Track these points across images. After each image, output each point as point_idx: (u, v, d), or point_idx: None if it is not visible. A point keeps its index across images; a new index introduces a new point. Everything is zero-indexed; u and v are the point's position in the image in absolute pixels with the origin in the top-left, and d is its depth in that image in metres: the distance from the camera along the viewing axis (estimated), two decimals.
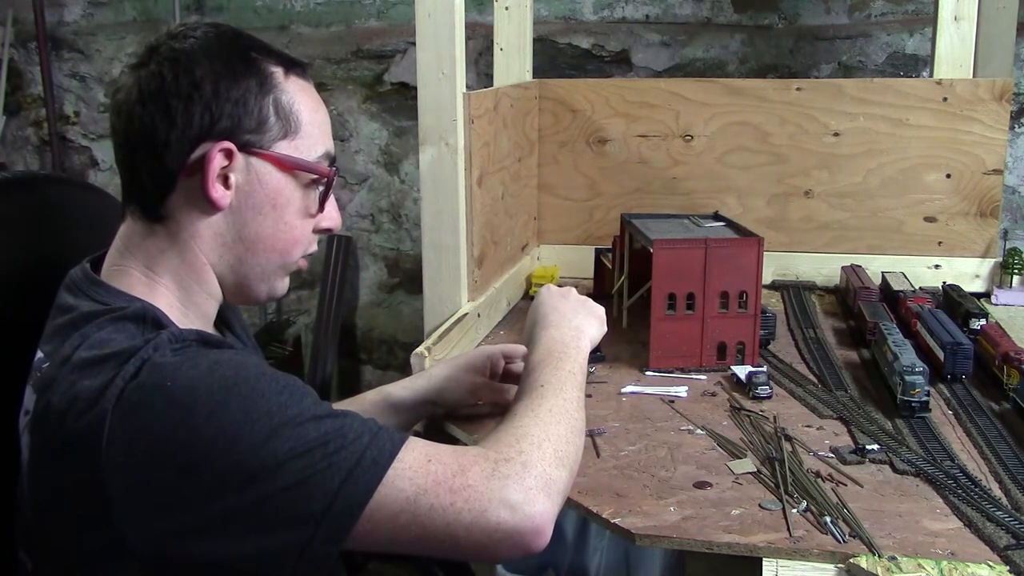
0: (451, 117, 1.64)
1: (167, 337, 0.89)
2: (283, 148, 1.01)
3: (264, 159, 0.99)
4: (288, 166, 1.01)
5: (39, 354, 0.95)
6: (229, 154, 0.97)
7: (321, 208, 1.05)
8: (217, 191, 0.97)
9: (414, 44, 1.62)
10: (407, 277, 2.95)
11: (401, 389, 1.38)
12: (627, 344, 1.74)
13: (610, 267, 2.03)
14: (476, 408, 1.42)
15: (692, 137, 2.18)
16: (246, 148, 0.98)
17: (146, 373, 0.85)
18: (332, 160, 1.06)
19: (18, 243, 1.13)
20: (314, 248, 1.09)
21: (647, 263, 1.62)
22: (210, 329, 1.05)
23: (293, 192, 1.02)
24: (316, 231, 1.08)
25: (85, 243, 1.08)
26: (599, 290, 2.10)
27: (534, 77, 2.28)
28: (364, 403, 1.35)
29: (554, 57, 2.69)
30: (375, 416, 1.32)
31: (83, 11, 3.00)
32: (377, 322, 3.02)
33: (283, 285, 1.08)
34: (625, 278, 1.85)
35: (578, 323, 1.26)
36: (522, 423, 1.01)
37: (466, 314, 1.71)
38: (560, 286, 1.37)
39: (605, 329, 1.32)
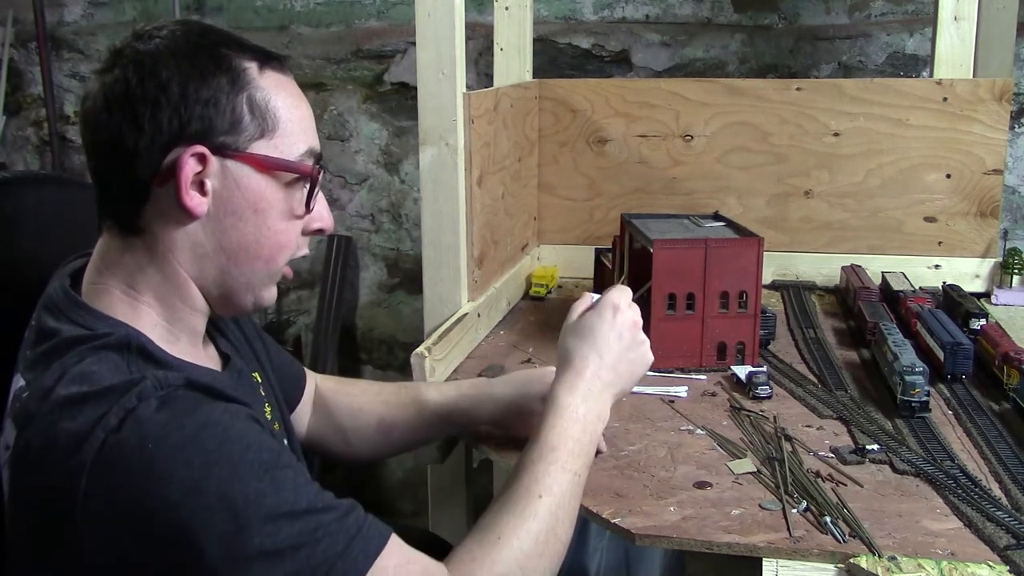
0: (451, 117, 1.64)
1: (152, 384, 0.83)
2: (261, 148, 0.95)
3: (241, 161, 0.94)
4: (267, 166, 0.95)
5: (20, 382, 0.91)
6: (203, 158, 0.92)
7: (308, 209, 1.00)
8: (192, 199, 0.92)
9: (414, 44, 1.62)
10: (407, 277, 2.95)
11: (434, 391, 1.35)
12: None
13: (610, 267, 2.03)
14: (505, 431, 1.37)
15: (692, 137, 2.18)
16: (221, 151, 0.93)
17: (128, 429, 0.80)
18: (318, 157, 1.00)
19: (18, 243, 1.13)
20: (305, 251, 1.04)
21: (647, 263, 1.62)
22: (199, 344, 1.01)
23: (275, 194, 0.96)
24: (306, 233, 1.02)
25: (85, 244, 1.08)
26: (599, 290, 2.10)
27: (534, 77, 2.28)
28: (425, 412, 1.34)
29: (554, 57, 2.69)
30: (398, 410, 1.33)
31: (83, 11, 3.00)
32: (377, 322, 3.02)
33: (270, 294, 1.02)
34: (625, 278, 1.85)
35: (618, 386, 1.18)
36: (506, 546, 0.97)
37: (466, 314, 1.71)
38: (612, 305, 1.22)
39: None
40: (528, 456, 1.07)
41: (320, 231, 1.04)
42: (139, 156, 0.91)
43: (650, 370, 1.60)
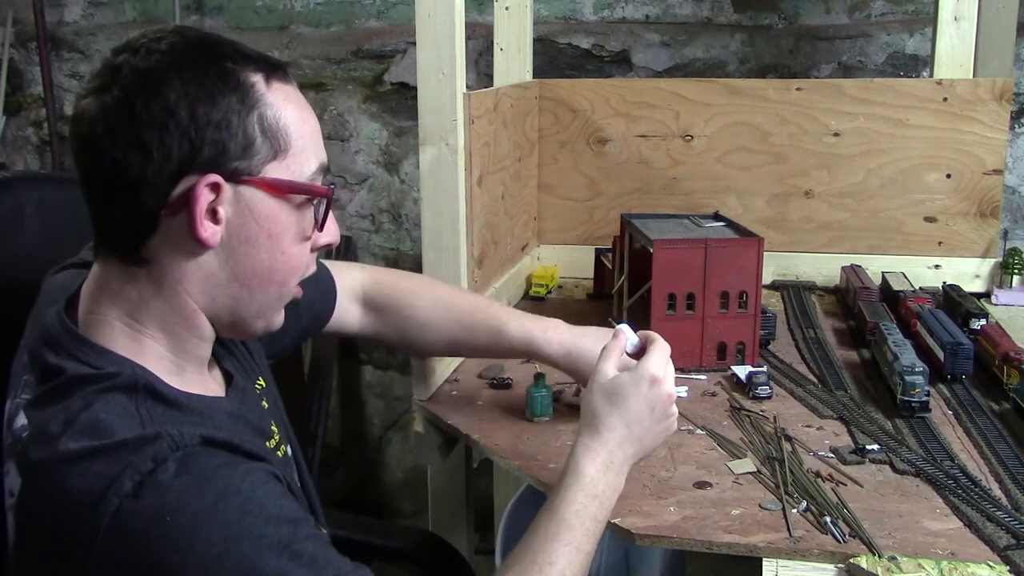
0: (451, 117, 1.64)
1: (168, 444, 0.79)
2: (274, 170, 0.89)
3: (255, 186, 0.88)
4: (282, 190, 0.90)
5: (21, 419, 0.87)
6: (216, 187, 0.86)
7: (320, 228, 0.95)
8: (206, 230, 0.87)
9: (414, 44, 1.61)
10: None
11: (514, 323, 1.41)
12: None
13: (610, 267, 2.03)
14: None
15: (692, 137, 2.18)
16: (234, 177, 0.87)
17: (147, 497, 0.76)
18: (327, 170, 0.95)
19: (19, 243, 1.13)
20: (313, 269, 0.99)
21: (647, 263, 1.62)
22: (205, 371, 0.98)
23: (288, 217, 0.91)
24: (314, 250, 0.98)
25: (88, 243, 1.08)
26: (599, 290, 2.11)
27: (534, 77, 2.28)
28: (503, 342, 1.40)
29: (554, 57, 2.69)
30: (474, 335, 1.39)
31: (83, 11, 3.00)
32: None
33: (280, 318, 0.98)
34: (625, 278, 1.85)
35: (639, 456, 1.14)
36: None
37: None
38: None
39: None
40: (544, 530, 1.02)
41: (329, 245, 0.99)
42: (146, 185, 0.85)
43: None
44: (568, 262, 2.25)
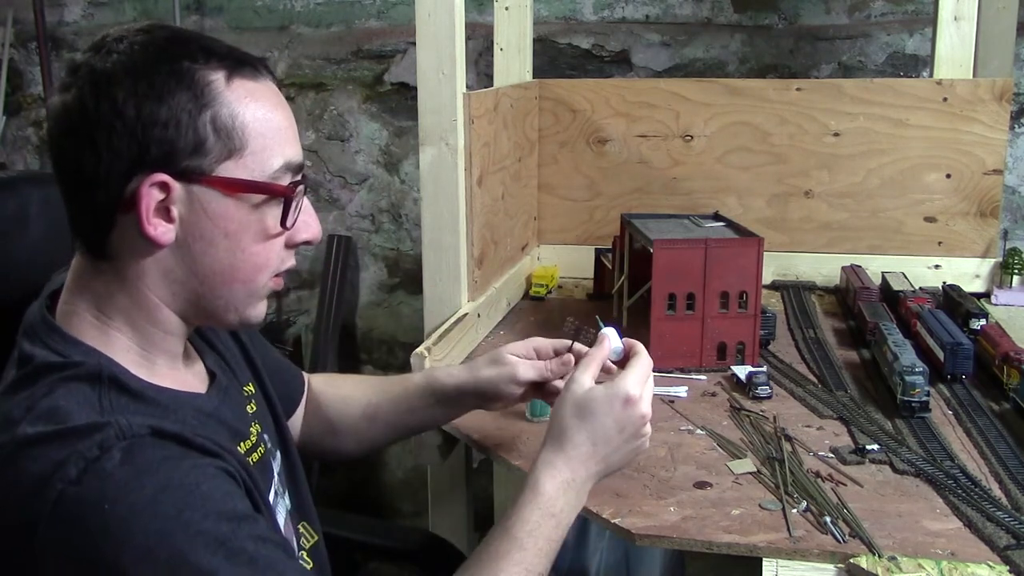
0: (451, 117, 1.64)
1: (115, 432, 0.79)
2: (229, 169, 0.88)
3: (207, 185, 0.87)
4: (236, 188, 0.89)
5: None
6: (165, 186, 0.86)
7: (285, 226, 0.93)
8: (156, 228, 0.87)
9: (414, 44, 1.62)
10: (407, 277, 2.95)
11: (445, 376, 1.29)
12: None
13: (610, 267, 2.03)
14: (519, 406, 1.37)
15: (692, 137, 2.18)
16: (184, 176, 0.87)
17: (88, 484, 0.77)
18: (296, 168, 0.93)
19: (24, 243, 1.13)
20: (290, 263, 0.98)
21: (647, 263, 1.62)
22: (179, 365, 0.97)
23: (247, 216, 0.90)
24: (291, 246, 0.97)
25: None
26: (599, 290, 2.11)
27: (534, 77, 2.28)
28: (409, 385, 1.31)
29: (554, 57, 2.69)
30: (385, 391, 1.30)
31: (83, 11, 3.00)
32: (377, 322, 3.02)
33: (257, 312, 0.97)
34: (625, 278, 1.85)
35: (604, 474, 1.09)
36: None
37: (466, 314, 1.71)
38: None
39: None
40: (495, 547, 0.99)
41: (307, 242, 0.98)
42: (99, 184, 0.86)
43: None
44: (568, 262, 2.25)
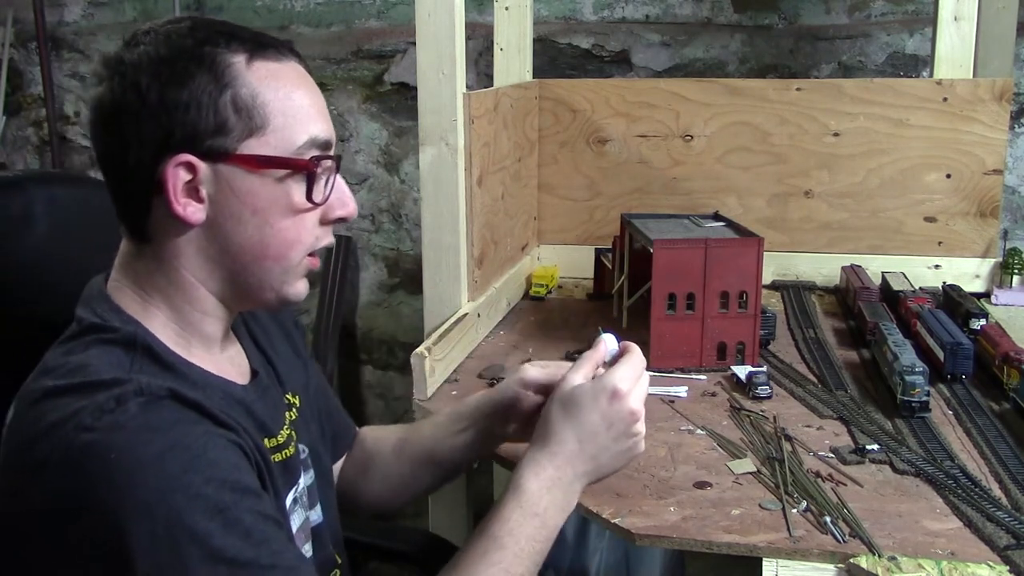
0: (451, 117, 1.64)
1: (134, 389, 0.82)
2: (252, 147, 0.91)
3: (231, 163, 0.91)
4: (259, 165, 0.91)
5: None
6: (191, 166, 0.90)
7: (312, 201, 0.95)
8: (185, 208, 0.90)
9: (414, 44, 1.62)
10: (407, 277, 2.95)
11: (464, 405, 1.26)
12: None
13: (610, 267, 2.03)
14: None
15: (692, 137, 2.18)
16: (209, 156, 0.90)
17: (99, 433, 0.79)
18: (323, 144, 0.95)
19: (30, 243, 1.13)
20: (327, 241, 0.99)
21: (647, 263, 1.62)
22: (215, 350, 0.99)
23: (272, 192, 0.93)
24: (326, 222, 0.98)
25: (99, 243, 1.08)
26: (599, 290, 2.11)
27: (534, 77, 2.28)
28: (437, 418, 1.29)
29: (554, 57, 2.69)
30: (441, 430, 1.26)
31: (83, 11, 3.00)
32: (377, 322, 3.02)
33: (296, 289, 0.98)
34: (625, 278, 1.85)
35: (594, 475, 1.06)
36: None
37: (466, 314, 1.71)
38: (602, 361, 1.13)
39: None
40: (473, 547, 0.97)
41: (343, 218, 1.00)
42: (131, 169, 0.90)
43: (650, 370, 1.59)
44: (568, 262, 2.25)
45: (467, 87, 1.67)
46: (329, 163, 0.96)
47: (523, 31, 2.21)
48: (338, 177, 0.98)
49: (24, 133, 3.14)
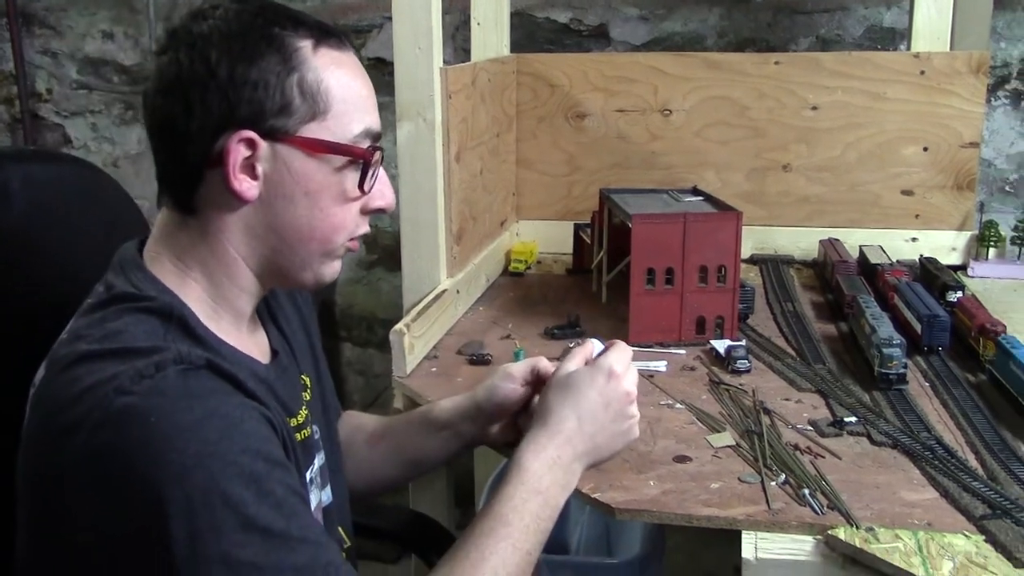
0: (428, 92, 1.63)
1: (173, 356, 0.83)
2: (312, 131, 0.93)
3: (291, 145, 0.92)
4: (318, 149, 0.93)
5: (69, 326, 0.92)
6: (252, 143, 0.91)
7: (363, 190, 0.97)
8: (241, 184, 0.92)
9: (391, 19, 1.60)
10: (386, 254, 2.93)
11: (439, 409, 1.25)
12: (607, 319, 1.74)
13: (589, 242, 2.02)
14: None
15: (671, 112, 2.17)
16: (270, 135, 0.92)
17: (139, 397, 0.79)
18: (375, 136, 0.98)
19: (4, 220, 1.11)
20: (364, 229, 1.02)
21: (626, 238, 1.62)
22: (243, 328, 1.00)
23: (327, 177, 0.95)
24: (366, 212, 1.01)
25: (79, 223, 1.07)
26: (578, 265, 2.10)
27: (512, 52, 2.26)
28: (413, 413, 1.28)
29: (532, 32, 2.67)
30: (416, 426, 1.26)
31: None
32: (356, 299, 3.01)
33: (332, 270, 1.01)
34: (604, 253, 1.85)
35: (593, 456, 1.08)
36: None
37: (445, 290, 1.70)
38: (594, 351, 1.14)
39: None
40: (480, 525, 0.98)
41: (381, 210, 1.02)
42: (190, 140, 0.91)
43: (629, 345, 1.59)
44: (547, 238, 2.25)
45: (444, 62, 1.66)
46: (379, 155, 0.99)
47: (500, 5, 2.19)
48: (381, 169, 1.01)
49: None
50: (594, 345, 1.16)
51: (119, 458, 0.78)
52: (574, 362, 1.12)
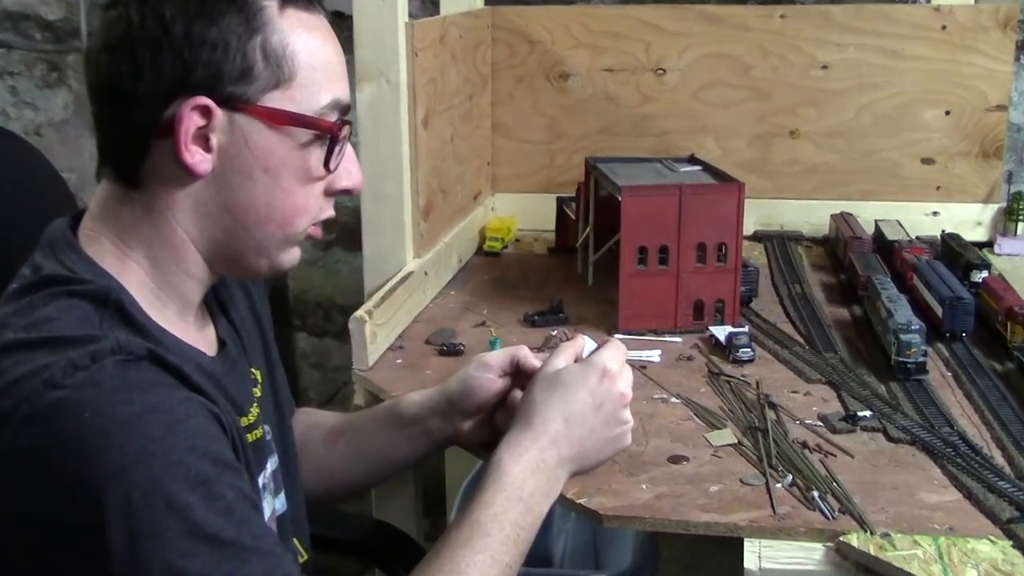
0: (392, 50, 1.62)
1: (111, 346, 0.82)
2: (275, 100, 0.92)
3: (251, 115, 0.91)
4: (281, 121, 0.92)
5: None
6: (207, 111, 0.90)
7: (328, 168, 0.96)
8: (193, 156, 0.90)
9: None
10: (345, 232, 2.92)
11: (406, 403, 1.24)
12: (593, 303, 1.75)
13: (573, 218, 2.03)
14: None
15: (664, 71, 2.17)
16: (228, 103, 0.90)
17: (72, 390, 0.79)
18: (344, 109, 0.97)
19: None
20: (329, 213, 1.01)
21: (615, 212, 1.62)
22: (189, 318, 0.99)
23: (289, 152, 0.94)
24: (330, 193, 1.00)
25: (22, 200, 1.06)
26: (561, 244, 2.11)
27: (486, 4, 2.25)
28: (377, 409, 1.28)
29: None
30: (379, 422, 1.25)
31: None
32: (312, 283, 3.00)
33: (290, 257, 1.00)
34: (590, 230, 1.85)
35: (578, 463, 1.08)
36: None
37: (412, 272, 1.70)
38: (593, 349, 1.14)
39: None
40: (456, 534, 0.98)
41: (347, 191, 1.01)
42: (138, 103, 0.90)
43: (619, 332, 1.59)
44: (526, 212, 2.25)
45: (410, 15, 1.66)
46: (347, 129, 0.98)
47: None
48: (349, 146, 1.00)
49: None
50: (584, 342, 1.16)
51: (50, 457, 0.77)
52: (562, 358, 1.12)
